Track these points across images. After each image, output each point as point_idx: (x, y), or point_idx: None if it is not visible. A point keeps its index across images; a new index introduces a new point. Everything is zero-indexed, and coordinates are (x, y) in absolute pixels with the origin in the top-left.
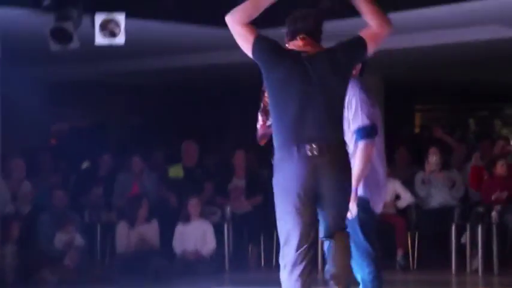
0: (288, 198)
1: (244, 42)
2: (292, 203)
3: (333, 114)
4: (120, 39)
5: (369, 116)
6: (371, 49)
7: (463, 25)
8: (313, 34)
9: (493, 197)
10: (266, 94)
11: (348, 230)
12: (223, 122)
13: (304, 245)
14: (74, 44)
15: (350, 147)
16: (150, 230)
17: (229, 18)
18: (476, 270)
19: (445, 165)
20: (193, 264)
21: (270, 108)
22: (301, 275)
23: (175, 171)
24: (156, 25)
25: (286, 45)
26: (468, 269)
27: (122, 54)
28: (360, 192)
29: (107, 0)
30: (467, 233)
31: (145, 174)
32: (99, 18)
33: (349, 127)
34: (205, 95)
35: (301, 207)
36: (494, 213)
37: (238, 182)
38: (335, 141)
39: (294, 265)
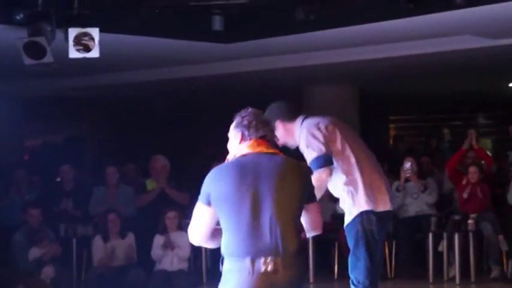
0: None
1: None
2: None
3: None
4: (95, 53)
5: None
6: None
7: (437, 35)
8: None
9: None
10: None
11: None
12: (198, 136)
13: None
14: (48, 58)
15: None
16: (126, 244)
17: None
18: (453, 278)
19: (421, 174)
20: (171, 277)
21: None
22: None
23: (152, 185)
24: (130, 39)
25: None
26: (445, 277)
27: (96, 68)
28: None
29: (80, 15)
30: (444, 241)
31: (120, 188)
32: (72, 32)
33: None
34: (178, 109)
35: None
36: (470, 221)
37: None
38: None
39: None
